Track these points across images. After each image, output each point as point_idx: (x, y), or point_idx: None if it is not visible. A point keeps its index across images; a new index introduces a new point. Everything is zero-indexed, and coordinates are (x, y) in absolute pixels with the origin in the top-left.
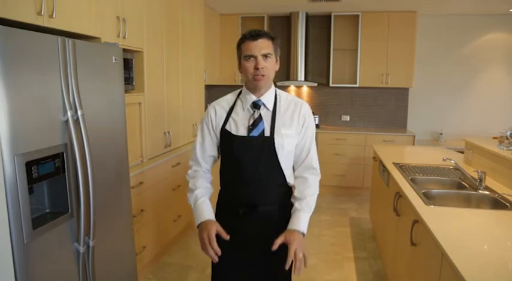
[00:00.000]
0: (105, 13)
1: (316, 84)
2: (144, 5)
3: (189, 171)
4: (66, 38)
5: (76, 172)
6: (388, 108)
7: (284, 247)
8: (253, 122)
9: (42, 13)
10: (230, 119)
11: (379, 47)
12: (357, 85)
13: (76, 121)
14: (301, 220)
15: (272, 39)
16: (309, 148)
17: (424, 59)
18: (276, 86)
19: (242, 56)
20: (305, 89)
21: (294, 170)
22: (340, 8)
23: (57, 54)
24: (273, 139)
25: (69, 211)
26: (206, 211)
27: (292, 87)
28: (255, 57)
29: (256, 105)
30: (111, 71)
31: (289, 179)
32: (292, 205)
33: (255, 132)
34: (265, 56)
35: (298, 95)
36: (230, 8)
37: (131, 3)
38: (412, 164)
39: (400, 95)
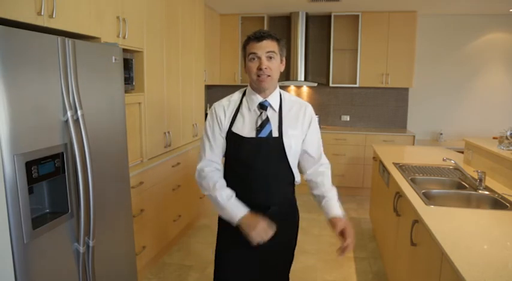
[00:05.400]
0: (105, 13)
1: (316, 84)
2: (144, 5)
3: (200, 173)
4: (66, 38)
5: (76, 172)
6: (388, 108)
7: (287, 246)
8: (261, 123)
9: (42, 13)
10: (236, 120)
11: (379, 47)
12: (357, 85)
13: (76, 121)
14: (339, 206)
15: (277, 40)
16: (319, 144)
17: (424, 59)
18: None
19: (247, 55)
20: (305, 89)
21: (305, 168)
22: (340, 8)
23: (57, 54)
24: (282, 140)
25: (69, 211)
26: (238, 204)
27: (292, 87)
28: (259, 58)
29: (263, 107)
30: (111, 71)
31: (297, 177)
32: (294, 199)
33: (263, 134)
34: (270, 56)
35: (298, 95)
36: (230, 8)
37: (131, 3)
38: (412, 164)
39: (400, 95)
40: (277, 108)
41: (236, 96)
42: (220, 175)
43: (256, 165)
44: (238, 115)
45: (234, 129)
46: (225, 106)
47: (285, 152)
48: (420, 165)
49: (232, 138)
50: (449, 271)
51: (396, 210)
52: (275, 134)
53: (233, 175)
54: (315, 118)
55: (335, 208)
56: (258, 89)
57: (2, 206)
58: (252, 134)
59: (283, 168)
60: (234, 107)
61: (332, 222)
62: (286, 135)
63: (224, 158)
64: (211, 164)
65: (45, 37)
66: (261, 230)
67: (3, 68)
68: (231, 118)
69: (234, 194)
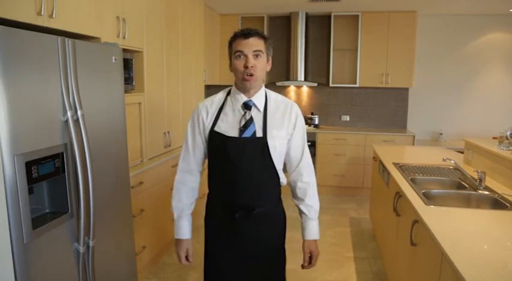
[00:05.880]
0: (105, 13)
1: (316, 84)
2: (144, 5)
3: (178, 177)
4: (66, 38)
5: (76, 172)
6: (388, 108)
7: (280, 248)
8: (245, 123)
9: (42, 13)
10: (219, 119)
11: (379, 47)
12: (357, 85)
13: (76, 121)
14: (316, 228)
15: (264, 38)
16: (303, 147)
17: (424, 59)
18: (275, 86)
19: (232, 53)
20: (305, 89)
21: (288, 170)
22: (340, 8)
23: (57, 54)
24: (266, 140)
25: (69, 211)
26: (185, 228)
27: (292, 87)
28: (246, 55)
29: (247, 106)
30: (111, 71)
31: (282, 178)
32: (280, 200)
33: (247, 134)
34: (256, 55)
35: (298, 95)
36: (230, 8)
37: (131, 3)
38: (412, 164)
39: (400, 95)
40: (262, 108)
41: (220, 95)
42: (193, 191)
43: (241, 165)
44: (222, 115)
45: (217, 128)
46: (208, 106)
47: (269, 153)
48: (420, 165)
49: (216, 138)
50: (449, 271)
51: (396, 210)
52: (259, 134)
53: (217, 175)
54: (301, 118)
55: (313, 230)
56: (243, 89)
57: (2, 206)
58: (236, 134)
59: (268, 168)
60: (217, 107)
61: (304, 243)
62: (271, 135)
63: (207, 159)
64: (189, 174)
65: (45, 37)
66: (180, 257)
67: (3, 68)
68: (213, 118)
69: (187, 215)
